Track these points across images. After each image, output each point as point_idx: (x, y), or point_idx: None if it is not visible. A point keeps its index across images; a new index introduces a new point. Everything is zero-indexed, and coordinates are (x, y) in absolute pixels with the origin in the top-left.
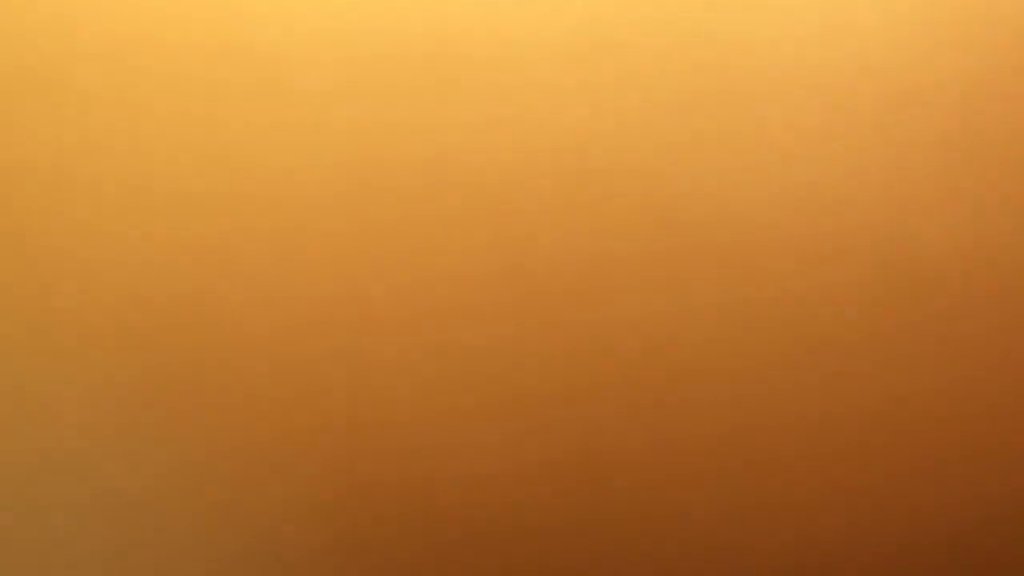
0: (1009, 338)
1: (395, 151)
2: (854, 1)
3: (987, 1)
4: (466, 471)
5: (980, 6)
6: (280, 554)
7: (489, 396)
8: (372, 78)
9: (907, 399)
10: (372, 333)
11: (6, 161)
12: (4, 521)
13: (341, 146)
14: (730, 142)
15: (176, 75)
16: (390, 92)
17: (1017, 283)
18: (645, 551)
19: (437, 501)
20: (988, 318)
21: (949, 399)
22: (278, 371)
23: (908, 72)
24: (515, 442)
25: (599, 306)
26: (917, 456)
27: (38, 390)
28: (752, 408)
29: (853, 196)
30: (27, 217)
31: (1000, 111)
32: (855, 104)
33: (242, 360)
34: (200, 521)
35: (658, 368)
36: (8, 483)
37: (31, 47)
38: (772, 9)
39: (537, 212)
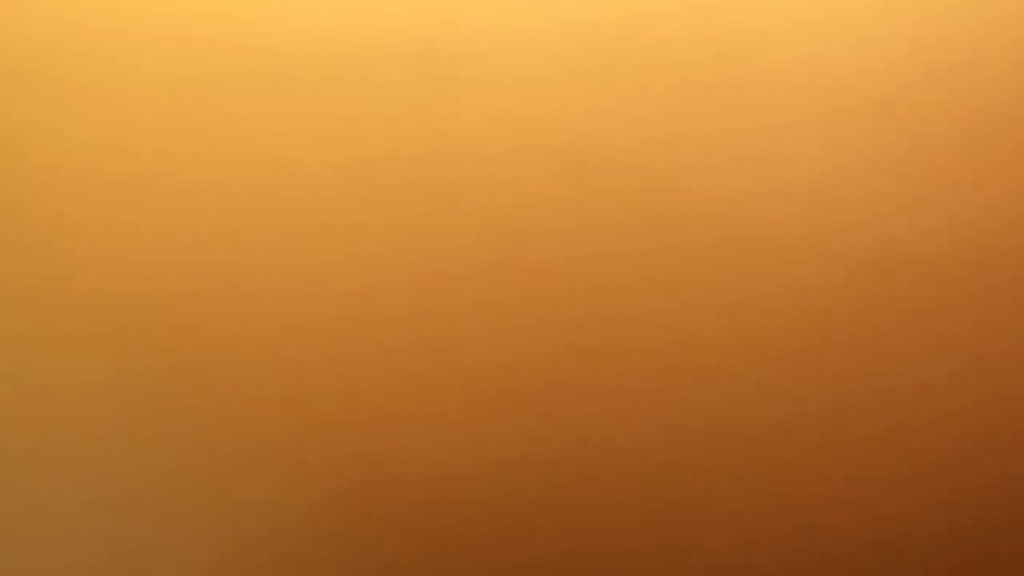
0: (1004, 333)
1: (395, 148)
2: (848, 0)
3: (982, 1)
4: (465, 469)
5: (974, 6)
6: (282, 552)
7: (488, 394)
8: (371, 75)
9: (903, 395)
10: (373, 330)
11: (11, 160)
12: (7, 519)
13: (342, 143)
14: (725, 139)
15: (178, 74)
16: (389, 89)
17: (1012, 278)
18: (642, 547)
19: (436, 497)
20: (983, 313)
21: (946, 395)
22: (279, 370)
23: (903, 70)
24: (514, 440)
25: (597, 302)
26: (910, 451)
27: (41, 389)
28: (747, 403)
29: (849, 192)
30: (31, 215)
31: (995, 109)
32: (850, 102)
33: (243, 359)
34: (201, 518)
35: (654, 364)
36: (10, 481)
37: (32, 46)
38: (768, 9)
39: (535, 209)
